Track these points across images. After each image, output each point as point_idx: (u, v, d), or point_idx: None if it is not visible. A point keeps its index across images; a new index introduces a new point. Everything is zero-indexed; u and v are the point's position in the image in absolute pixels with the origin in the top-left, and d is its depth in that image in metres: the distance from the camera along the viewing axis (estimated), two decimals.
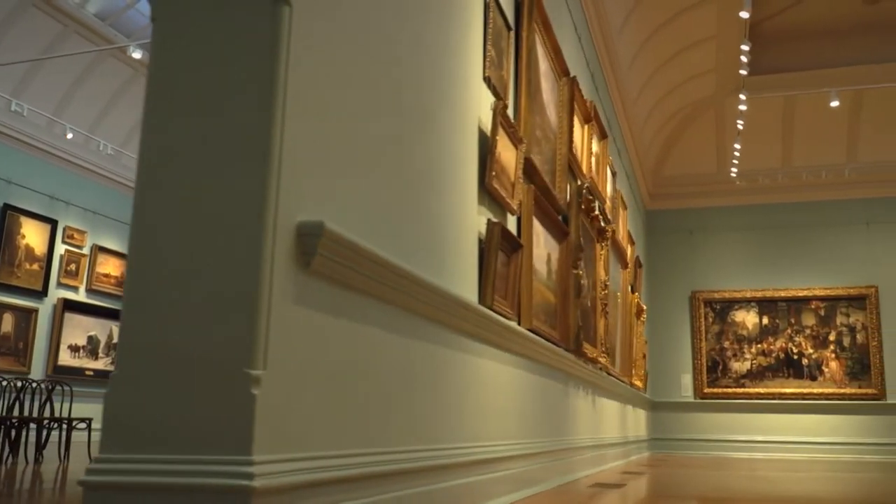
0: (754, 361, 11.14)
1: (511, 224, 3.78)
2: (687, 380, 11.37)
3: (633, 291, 9.22)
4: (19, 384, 6.61)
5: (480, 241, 3.25)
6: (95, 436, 6.77)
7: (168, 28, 1.82)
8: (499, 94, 3.61)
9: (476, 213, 3.24)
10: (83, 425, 6.71)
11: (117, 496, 1.58)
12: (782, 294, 11.15)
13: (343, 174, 2.04)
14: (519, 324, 3.81)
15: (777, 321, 11.17)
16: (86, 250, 10.21)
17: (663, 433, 11.28)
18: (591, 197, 5.63)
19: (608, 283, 6.37)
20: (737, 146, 9.57)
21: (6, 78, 8.62)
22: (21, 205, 9.16)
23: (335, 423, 1.88)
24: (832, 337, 10.96)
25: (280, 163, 1.71)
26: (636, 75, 8.94)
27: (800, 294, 11.10)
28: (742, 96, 8.18)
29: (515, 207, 3.67)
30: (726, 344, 11.29)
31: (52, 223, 9.62)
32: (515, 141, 3.65)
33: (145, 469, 1.58)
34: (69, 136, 9.50)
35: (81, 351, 10.06)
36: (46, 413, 6.65)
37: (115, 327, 10.47)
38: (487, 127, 3.36)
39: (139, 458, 1.60)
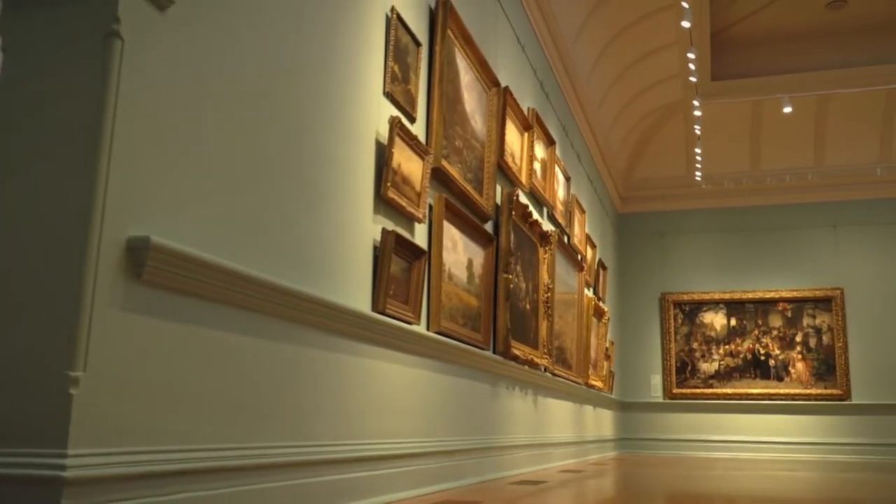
0: (722, 362, 11.30)
1: (420, 232, 3.95)
2: (657, 380, 11.53)
3: (596, 295, 9.38)
4: None
5: (376, 248, 3.42)
6: None
7: (13, 52, 2.01)
8: (404, 108, 3.78)
9: (371, 223, 3.41)
10: None
11: None
12: (750, 296, 11.30)
13: (197, 191, 2.22)
14: (428, 328, 3.98)
15: (745, 322, 11.33)
16: None
17: (633, 433, 11.44)
18: (525, 203, 5.79)
19: (552, 287, 6.53)
20: (698, 151, 9.74)
21: None
22: None
23: (165, 420, 2.05)
24: (798, 338, 11.11)
25: (107, 183, 1.89)
26: (598, 81, 9.10)
27: (767, 296, 11.25)
28: (696, 102, 8.33)
29: (421, 216, 3.84)
30: (695, 345, 11.44)
31: None
32: (421, 152, 3.82)
33: None
34: None
35: None
36: None
37: None
38: (386, 140, 3.53)
39: None
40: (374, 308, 3.36)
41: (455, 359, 4.30)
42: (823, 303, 11.04)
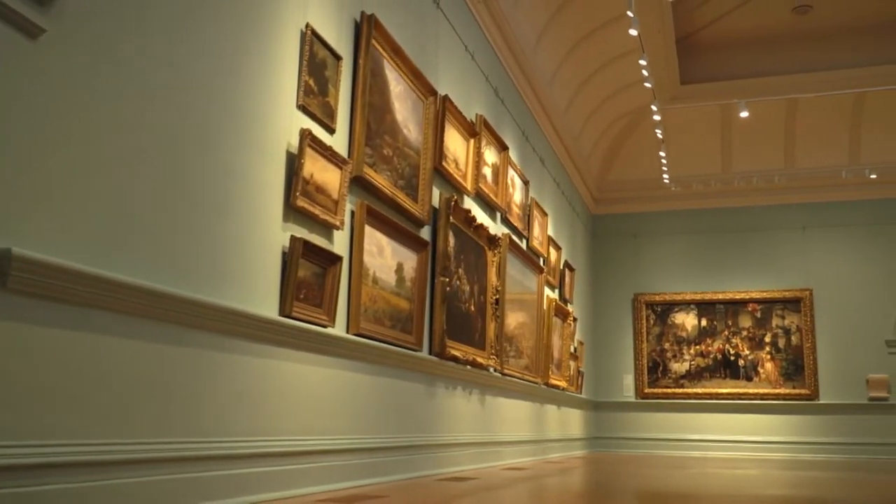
0: (693, 362, 11.44)
1: (340, 238, 4.11)
2: (629, 380, 11.68)
3: (561, 296, 9.54)
4: None
5: (285, 255, 3.59)
6: None
7: None
8: (322, 120, 3.94)
9: (281, 230, 3.58)
10: None
11: None
12: (721, 297, 11.45)
13: (81, 209, 2.40)
14: (347, 330, 4.15)
15: (715, 323, 11.47)
16: None
17: (606, 432, 11.60)
18: (467, 208, 5.95)
19: (500, 289, 6.69)
20: (662, 154, 9.87)
21: None
22: None
23: (31, 416, 2.22)
24: (768, 338, 11.25)
25: None
26: (562, 86, 9.25)
27: (737, 297, 11.40)
28: (654, 107, 8.47)
29: (339, 223, 4.00)
30: (666, 345, 11.59)
31: None
32: (338, 162, 3.98)
33: None
34: None
35: None
36: None
37: None
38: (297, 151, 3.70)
39: None
40: (282, 312, 3.53)
41: (380, 359, 4.46)
42: (792, 303, 11.18)
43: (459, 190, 5.96)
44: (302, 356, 3.69)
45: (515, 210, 7.54)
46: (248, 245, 3.35)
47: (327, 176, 3.92)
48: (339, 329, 4.04)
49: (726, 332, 11.40)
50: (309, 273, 3.73)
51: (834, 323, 10.98)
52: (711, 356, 11.40)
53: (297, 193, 3.64)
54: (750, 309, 11.37)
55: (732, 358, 11.33)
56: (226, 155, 3.22)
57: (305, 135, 3.68)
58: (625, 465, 7.54)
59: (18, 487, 2.16)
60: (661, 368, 11.55)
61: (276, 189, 3.57)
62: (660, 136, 9.00)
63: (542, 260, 8.57)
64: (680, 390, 11.40)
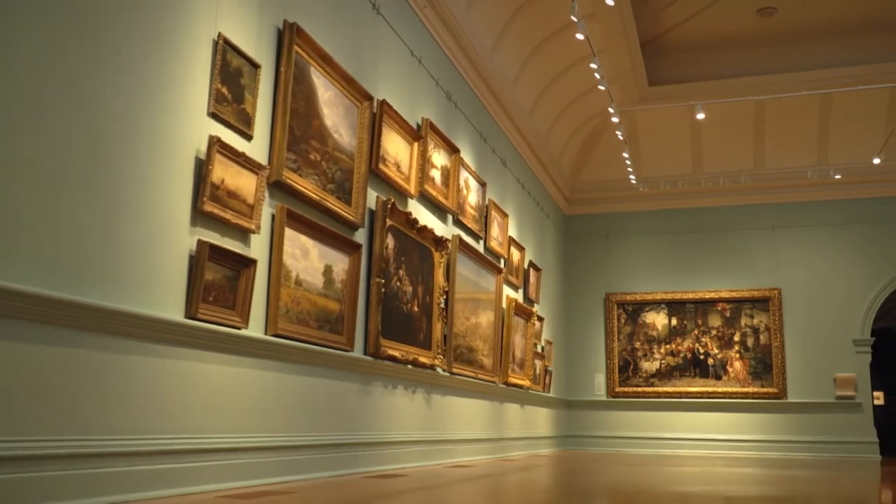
0: (663, 361, 11.53)
1: (257, 241, 4.22)
2: (600, 379, 11.77)
3: (526, 295, 9.64)
4: None
5: (192, 259, 3.70)
6: None
7: None
8: (237, 127, 4.05)
9: (188, 235, 3.69)
10: None
11: None
12: (690, 296, 11.54)
13: None
14: (265, 331, 4.26)
15: (685, 322, 11.56)
16: None
17: (578, 430, 11.70)
18: (408, 210, 6.05)
19: (447, 289, 6.79)
20: (626, 155, 9.95)
21: None
22: None
23: None
24: (737, 338, 11.33)
25: None
26: (526, 89, 9.34)
27: (707, 296, 11.48)
28: (611, 109, 8.56)
29: (255, 227, 4.11)
30: (637, 344, 11.68)
31: None
32: (253, 167, 4.09)
33: None
34: None
35: None
36: None
37: None
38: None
39: None
40: (188, 314, 3.64)
41: (303, 359, 4.57)
42: (761, 303, 11.26)
43: (401, 192, 6.06)
44: (213, 356, 3.80)
45: (470, 211, 7.64)
46: (152, 249, 3.46)
47: (241, 181, 4.03)
48: (254, 330, 4.15)
49: (696, 332, 11.49)
50: (219, 276, 3.84)
51: (802, 322, 11.06)
52: (681, 355, 11.49)
53: (205, 199, 3.75)
54: (719, 308, 11.45)
55: (702, 357, 11.42)
56: (123, 162, 3.32)
57: (214, 141, 3.79)
58: (584, 463, 7.64)
59: None
60: (632, 367, 11.65)
61: (184, 194, 3.68)
62: (621, 137, 9.09)
63: (502, 261, 8.67)
64: (650, 389, 11.49)
